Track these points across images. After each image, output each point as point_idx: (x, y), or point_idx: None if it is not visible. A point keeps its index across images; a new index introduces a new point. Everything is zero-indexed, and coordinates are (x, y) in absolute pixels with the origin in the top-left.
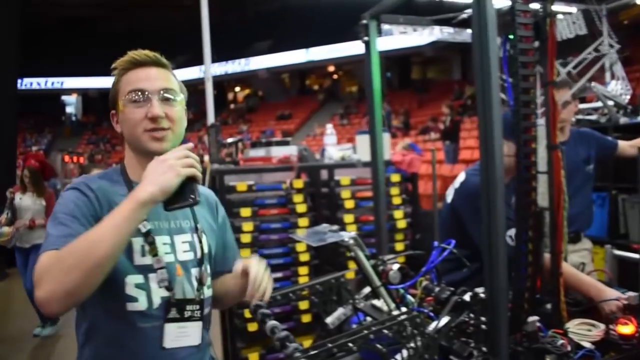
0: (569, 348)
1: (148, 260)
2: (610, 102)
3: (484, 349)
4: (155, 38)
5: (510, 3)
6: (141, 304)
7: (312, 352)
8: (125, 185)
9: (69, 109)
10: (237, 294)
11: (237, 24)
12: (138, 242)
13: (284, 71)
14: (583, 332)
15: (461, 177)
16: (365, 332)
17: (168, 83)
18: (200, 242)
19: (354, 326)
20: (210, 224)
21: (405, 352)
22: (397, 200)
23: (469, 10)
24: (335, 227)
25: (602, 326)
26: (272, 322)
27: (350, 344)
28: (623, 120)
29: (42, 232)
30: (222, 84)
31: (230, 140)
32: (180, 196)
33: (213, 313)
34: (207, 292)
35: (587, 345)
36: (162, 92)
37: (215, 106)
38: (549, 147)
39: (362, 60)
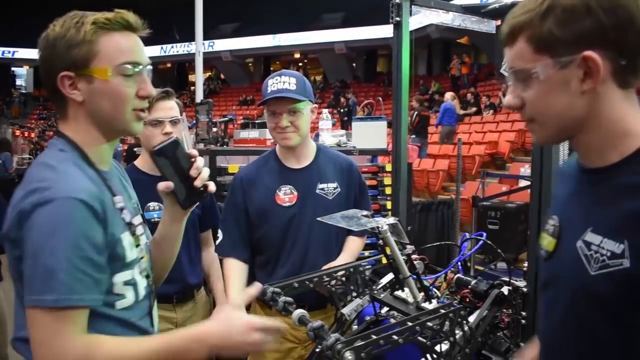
0: None
1: (134, 253)
2: None
3: (522, 344)
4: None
5: None
6: (129, 300)
7: (358, 344)
8: (98, 175)
9: (19, 81)
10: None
11: (204, 5)
12: (127, 236)
13: (249, 55)
14: None
15: None
16: (410, 324)
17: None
18: (143, 219)
19: (367, 318)
20: (135, 197)
21: (444, 346)
22: (390, 190)
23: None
24: (365, 212)
25: None
26: (299, 311)
27: (396, 336)
28: None
29: None
30: (184, 64)
31: (221, 119)
32: None
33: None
34: None
35: None
36: (150, 67)
37: (176, 87)
38: None
39: (327, 49)
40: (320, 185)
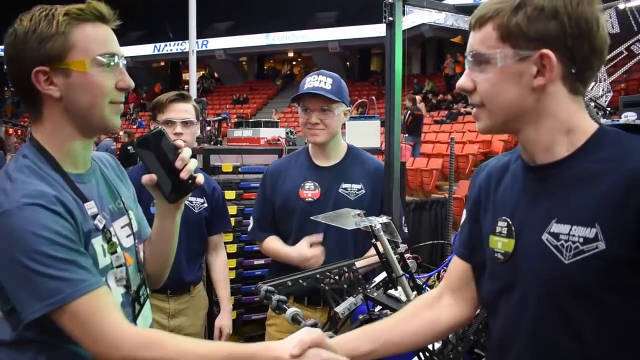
0: None
1: (108, 259)
2: (591, 104)
3: None
4: None
5: None
6: None
7: None
8: (64, 179)
9: None
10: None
11: (197, 3)
12: (99, 242)
13: (242, 54)
14: None
15: None
16: None
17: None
18: (130, 220)
19: (361, 316)
20: (129, 194)
21: (437, 344)
22: None
23: None
24: (358, 211)
25: None
26: (293, 309)
27: None
28: (603, 122)
29: None
30: (178, 63)
31: (214, 118)
32: None
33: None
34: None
35: None
36: (124, 60)
37: (169, 85)
38: None
39: (321, 48)
40: (344, 185)
